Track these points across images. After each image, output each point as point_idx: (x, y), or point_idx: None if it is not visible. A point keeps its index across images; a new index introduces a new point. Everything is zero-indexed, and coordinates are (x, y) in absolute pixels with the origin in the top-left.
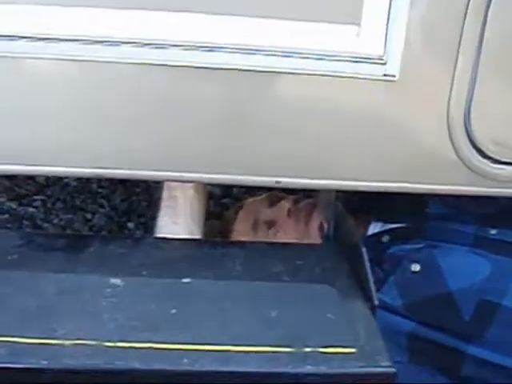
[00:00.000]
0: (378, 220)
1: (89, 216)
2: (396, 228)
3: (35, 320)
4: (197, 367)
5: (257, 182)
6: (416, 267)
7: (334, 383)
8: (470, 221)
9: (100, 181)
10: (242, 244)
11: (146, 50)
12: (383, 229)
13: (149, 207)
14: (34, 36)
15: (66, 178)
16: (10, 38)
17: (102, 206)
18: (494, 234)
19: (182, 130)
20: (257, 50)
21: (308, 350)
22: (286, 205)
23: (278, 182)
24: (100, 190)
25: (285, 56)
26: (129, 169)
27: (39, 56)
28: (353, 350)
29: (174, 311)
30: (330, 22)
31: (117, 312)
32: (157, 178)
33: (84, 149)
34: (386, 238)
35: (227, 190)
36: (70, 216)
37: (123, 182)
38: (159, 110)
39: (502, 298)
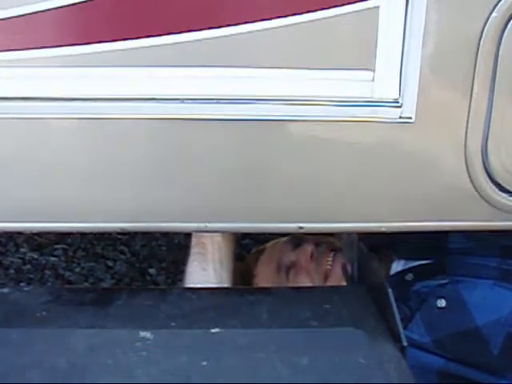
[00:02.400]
0: (400, 258)
1: (110, 263)
2: (419, 265)
3: (68, 378)
4: None
5: (280, 229)
6: (442, 303)
7: None
8: (492, 254)
9: None
10: (268, 291)
11: (163, 105)
12: (406, 267)
13: (169, 251)
14: (49, 97)
15: None
16: (28, 99)
17: (122, 252)
18: None
19: (202, 181)
20: (276, 100)
21: None
22: (308, 248)
23: (300, 228)
24: (120, 237)
25: (303, 104)
26: (151, 222)
27: (56, 116)
28: None
29: (204, 363)
30: (344, 69)
31: (149, 366)
32: (180, 230)
33: (106, 204)
34: (409, 277)
35: (245, 234)
36: (91, 264)
37: None
38: (179, 163)
39: None
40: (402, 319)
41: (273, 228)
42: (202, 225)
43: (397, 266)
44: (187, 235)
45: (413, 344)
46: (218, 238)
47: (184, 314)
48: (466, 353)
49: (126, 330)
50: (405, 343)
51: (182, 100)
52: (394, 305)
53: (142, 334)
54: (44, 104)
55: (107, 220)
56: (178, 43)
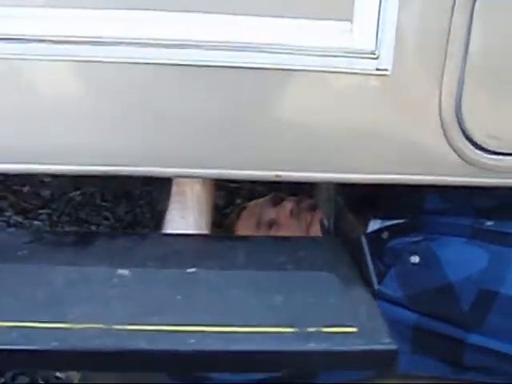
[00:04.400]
0: (377, 217)
1: (94, 228)
2: (395, 224)
3: (45, 307)
4: (203, 347)
5: (257, 176)
6: (415, 259)
7: (336, 361)
8: (466, 214)
9: (104, 195)
10: (245, 238)
11: (146, 49)
12: (383, 225)
13: (152, 219)
14: (31, 38)
15: (71, 192)
16: (8, 40)
17: (106, 218)
18: (490, 226)
19: (180, 127)
20: (250, 48)
21: (311, 329)
22: (288, 205)
23: (277, 176)
24: (104, 204)
25: (279, 53)
26: (131, 166)
27: (38, 57)
28: (354, 330)
29: (179, 297)
30: (322, 19)
31: (124, 299)
32: (159, 175)
33: (87, 147)
34: (385, 235)
35: (230, 199)
36: (75, 228)
37: (127, 195)
38: (156, 109)
39: (500, 286)
40: (376, 275)
41: (250, 175)
42: (180, 170)
43: (373, 225)
44: None
45: (387, 299)
46: (197, 187)
47: (161, 256)
48: (438, 308)
49: (104, 268)
50: (376, 286)
51: (156, 44)
52: (367, 251)
53: (120, 271)
54: (21, 45)
55: (89, 163)
56: None
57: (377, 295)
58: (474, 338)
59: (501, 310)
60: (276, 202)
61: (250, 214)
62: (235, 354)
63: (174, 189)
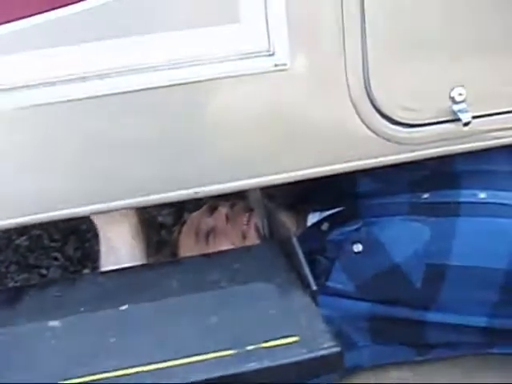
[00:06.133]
0: (315, 210)
1: (44, 271)
2: (333, 214)
3: None
4: None
5: (177, 197)
6: (358, 247)
7: (281, 375)
8: (401, 191)
9: (51, 235)
10: (178, 261)
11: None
12: (321, 217)
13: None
14: None
15: (17, 239)
16: None
17: (56, 258)
18: (426, 198)
19: (97, 162)
20: (142, 68)
21: (251, 348)
22: (223, 211)
23: (196, 193)
24: (52, 245)
25: (176, 68)
26: (51, 211)
27: None
28: (295, 339)
29: (113, 340)
30: (210, 26)
31: (56, 353)
32: (80, 214)
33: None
34: (325, 226)
35: (178, 218)
36: (25, 275)
37: (75, 232)
38: (67, 147)
39: (447, 258)
40: (322, 271)
41: (170, 197)
42: (99, 206)
43: (312, 218)
44: None
45: (337, 293)
46: (119, 217)
47: (93, 298)
48: (390, 292)
49: (34, 324)
50: (314, 287)
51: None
52: (300, 251)
53: (51, 323)
54: None
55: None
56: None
57: (326, 291)
58: (432, 316)
59: (452, 282)
60: (212, 210)
61: (190, 227)
62: None
63: (100, 224)
